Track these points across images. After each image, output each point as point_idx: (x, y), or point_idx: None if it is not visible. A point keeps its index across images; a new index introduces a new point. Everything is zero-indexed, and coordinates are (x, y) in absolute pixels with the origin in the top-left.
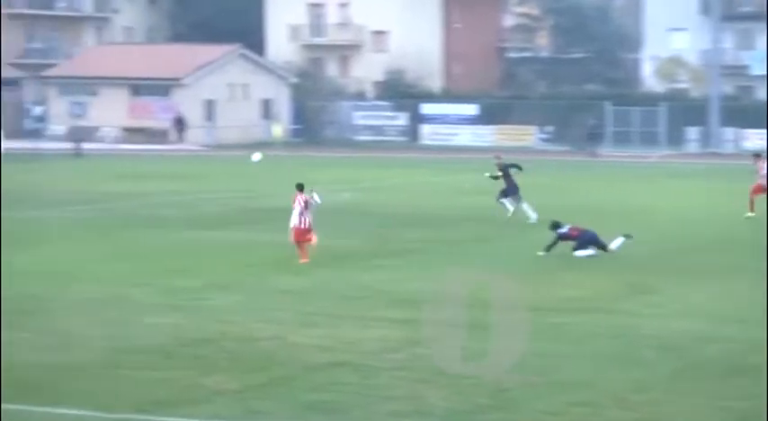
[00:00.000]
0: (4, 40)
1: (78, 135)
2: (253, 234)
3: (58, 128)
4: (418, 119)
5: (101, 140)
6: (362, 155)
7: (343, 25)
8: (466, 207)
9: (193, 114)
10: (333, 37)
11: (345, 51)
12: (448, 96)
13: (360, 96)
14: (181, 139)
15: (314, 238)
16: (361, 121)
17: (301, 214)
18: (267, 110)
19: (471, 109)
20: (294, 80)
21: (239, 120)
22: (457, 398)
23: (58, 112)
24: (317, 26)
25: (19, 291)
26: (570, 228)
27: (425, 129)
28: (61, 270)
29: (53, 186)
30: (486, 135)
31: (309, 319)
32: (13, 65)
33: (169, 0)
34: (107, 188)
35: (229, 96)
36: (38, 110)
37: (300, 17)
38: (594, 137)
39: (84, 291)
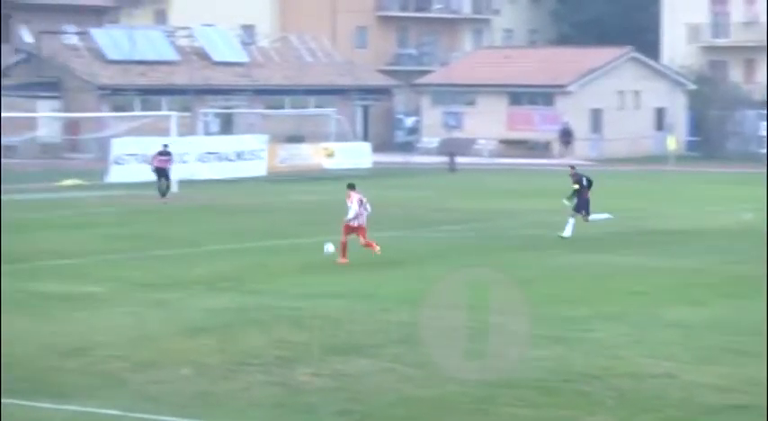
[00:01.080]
0: (375, 45)
1: (452, 148)
2: (642, 258)
3: (430, 140)
4: None
5: (477, 154)
6: None
7: (750, 24)
8: None
9: (578, 125)
10: (737, 37)
11: (751, 54)
12: None
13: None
14: (566, 153)
15: (363, 240)
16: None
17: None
18: (660, 120)
19: None
20: (692, 86)
21: (629, 131)
22: None
23: (432, 124)
24: (719, 25)
25: (384, 317)
26: None
27: None
28: (432, 295)
29: (424, 204)
30: None
31: (707, 355)
32: (383, 72)
33: None
34: (481, 206)
35: (619, 105)
36: (410, 121)
37: (701, 15)
38: None
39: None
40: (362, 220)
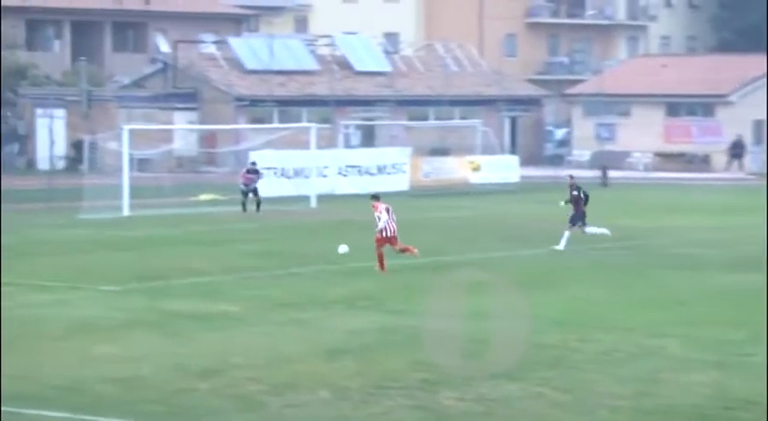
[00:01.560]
0: (524, 53)
1: (605, 161)
2: None
3: (582, 153)
4: None
5: (631, 167)
6: None
7: None
8: None
9: (732, 137)
10: None
11: None
12: None
13: None
14: (735, 167)
15: (399, 245)
16: None
17: (386, 222)
18: None
19: None
20: None
21: None
22: None
23: (583, 136)
24: None
25: (533, 338)
26: None
27: None
28: (580, 316)
29: None
30: None
31: None
32: (532, 81)
33: (714, 4)
34: (636, 223)
35: None
36: (560, 133)
37: None
38: None
39: (607, 342)
40: (392, 230)
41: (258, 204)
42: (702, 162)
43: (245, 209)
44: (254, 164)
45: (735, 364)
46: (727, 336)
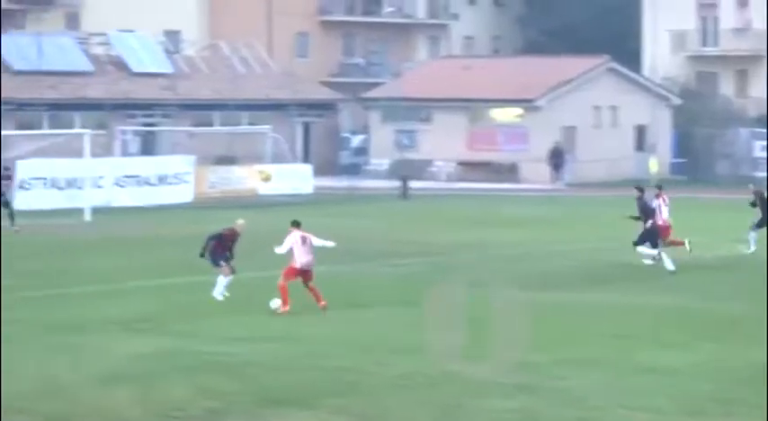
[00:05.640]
0: (317, 54)
1: (405, 171)
2: (619, 296)
3: (380, 162)
4: None
5: (433, 178)
6: None
7: (742, 31)
8: None
9: (548, 145)
10: (727, 46)
11: (743, 64)
12: None
13: (761, 121)
14: (554, 178)
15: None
16: (764, 154)
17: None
18: (641, 139)
19: None
20: (677, 101)
21: (606, 151)
22: None
23: (381, 143)
24: (707, 32)
25: (326, 363)
26: None
27: None
28: (379, 338)
29: (372, 234)
30: None
31: (695, 406)
32: (326, 84)
33: (520, 3)
34: (437, 237)
35: (594, 122)
36: (356, 140)
37: (686, 21)
38: None
39: (407, 366)
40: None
41: (12, 217)
42: (509, 171)
43: None
44: (7, 169)
45: (541, 389)
46: (533, 359)
